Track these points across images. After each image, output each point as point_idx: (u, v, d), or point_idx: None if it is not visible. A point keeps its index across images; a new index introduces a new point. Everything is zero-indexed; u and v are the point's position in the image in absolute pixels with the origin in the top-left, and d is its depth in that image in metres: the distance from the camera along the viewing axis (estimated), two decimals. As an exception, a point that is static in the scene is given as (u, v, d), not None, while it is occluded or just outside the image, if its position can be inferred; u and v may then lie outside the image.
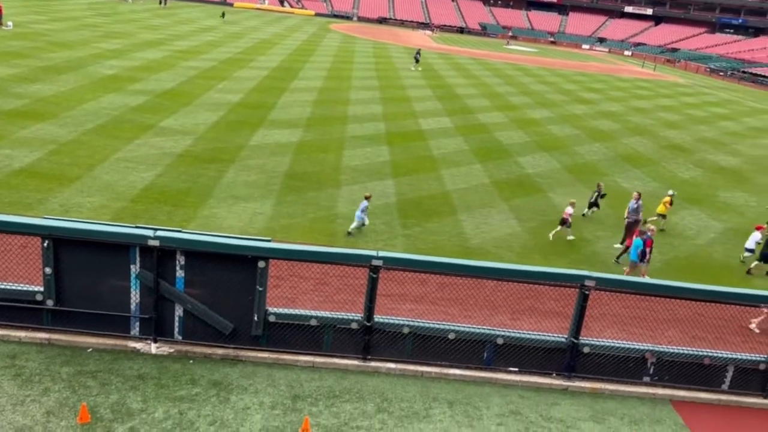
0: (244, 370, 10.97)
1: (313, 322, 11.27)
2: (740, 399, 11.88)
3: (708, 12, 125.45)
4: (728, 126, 49.30)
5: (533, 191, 24.90)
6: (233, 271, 10.87)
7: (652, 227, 17.82)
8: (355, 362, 11.43)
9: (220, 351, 11.24)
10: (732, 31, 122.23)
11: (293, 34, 79.96)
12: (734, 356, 11.89)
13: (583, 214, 22.26)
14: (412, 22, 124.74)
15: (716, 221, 23.83)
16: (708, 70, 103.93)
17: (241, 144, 26.46)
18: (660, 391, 11.78)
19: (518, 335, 11.66)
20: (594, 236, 20.73)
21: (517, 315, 13.08)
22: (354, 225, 18.23)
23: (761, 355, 11.90)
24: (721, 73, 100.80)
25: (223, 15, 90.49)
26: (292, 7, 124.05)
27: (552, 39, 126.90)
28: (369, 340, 11.38)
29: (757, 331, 14.40)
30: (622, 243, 19.76)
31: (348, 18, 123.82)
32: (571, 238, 20.04)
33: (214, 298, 11.02)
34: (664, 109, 54.12)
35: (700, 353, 11.79)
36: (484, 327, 11.80)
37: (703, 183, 29.82)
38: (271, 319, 11.21)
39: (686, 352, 11.80)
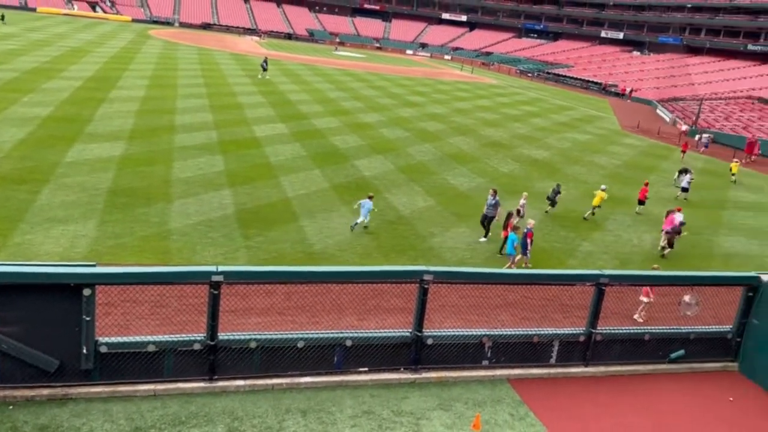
0: (75, 409, 9.98)
1: (151, 348, 10.56)
2: (566, 370, 13.08)
3: (514, 18, 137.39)
4: (538, 122, 54.31)
5: (371, 193, 25.47)
6: (54, 302, 9.84)
7: (532, 221, 19.21)
8: (201, 384, 10.90)
9: (45, 391, 10.13)
10: (535, 35, 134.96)
11: (109, 41, 74.69)
12: (558, 332, 13.07)
13: (546, 212, 25.95)
14: (238, 27, 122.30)
15: (535, 209, 26.07)
16: (518, 71, 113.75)
17: (55, 161, 24.14)
18: (498, 372, 12.61)
19: (366, 335, 11.83)
20: (428, 232, 21.72)
21: (363, 315, 13.29)
22: (365, 221, 20.67)
23: (580, 329, 13.21)
24: (530, 75, 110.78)
25: (2, 18, 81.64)
26: (105, 12, 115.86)
27: (378, 45, 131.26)
28: (214, 360, 10.91)
29: (641, 320, 15.80)
30: (485, 236, 21.48)
31: (169, 24, 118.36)
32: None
33: (34, 334, 9.88)
34: (482, 109, 58.26)
35: (530, 332, 12.81)
36: (333, 331, 11.84)
37: (521, 175, 32.51)
38: (103, 349, 10.32)
39: (518, 332, 12.75)
